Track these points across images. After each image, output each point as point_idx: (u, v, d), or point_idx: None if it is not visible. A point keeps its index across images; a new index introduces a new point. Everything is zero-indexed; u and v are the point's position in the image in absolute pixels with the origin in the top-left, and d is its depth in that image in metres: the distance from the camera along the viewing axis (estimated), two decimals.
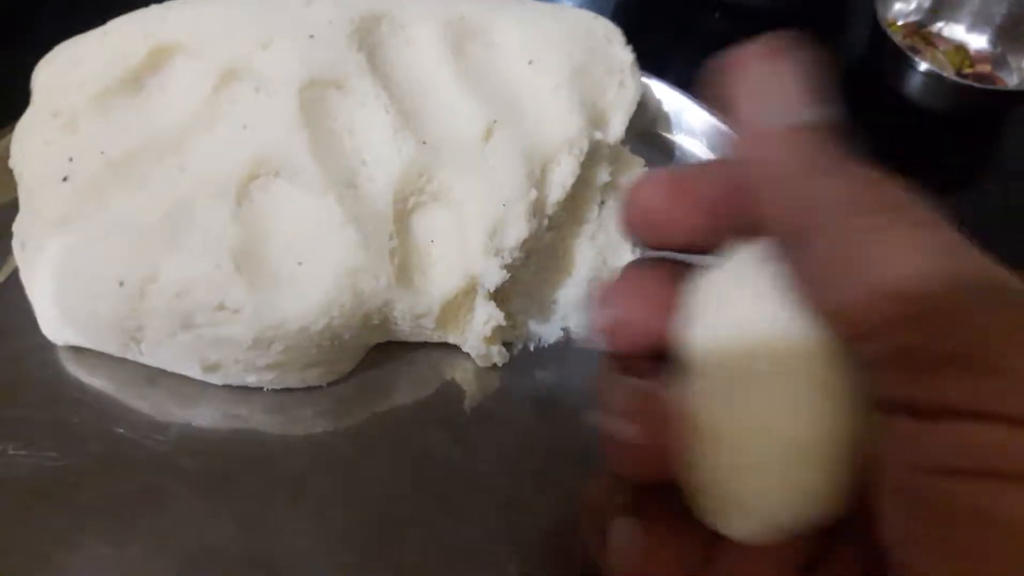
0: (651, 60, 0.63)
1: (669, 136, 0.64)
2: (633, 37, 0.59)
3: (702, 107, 0.64)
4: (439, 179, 0.50)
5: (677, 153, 0.64)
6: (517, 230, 0.50)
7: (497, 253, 0.50)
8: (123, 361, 0.51)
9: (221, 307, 0.46)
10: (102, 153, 0.49)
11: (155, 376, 0.51)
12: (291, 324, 0.46)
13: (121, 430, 0.49)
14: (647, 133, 0.64)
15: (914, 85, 0.70)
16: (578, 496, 0.28)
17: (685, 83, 0.65)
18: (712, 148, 0.63)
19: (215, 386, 0.51)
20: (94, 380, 0.52)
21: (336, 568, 0.45)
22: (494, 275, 0.50)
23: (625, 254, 0.57)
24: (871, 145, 0.74)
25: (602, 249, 0.57)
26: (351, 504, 0.47)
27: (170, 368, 0.50)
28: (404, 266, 0.49)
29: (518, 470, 0.49)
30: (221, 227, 0.47)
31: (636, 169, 0.60)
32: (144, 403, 0.51)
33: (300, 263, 0.47)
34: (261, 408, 0.51)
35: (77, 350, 0.51)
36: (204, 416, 0.50)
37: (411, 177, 0.50)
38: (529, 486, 0.49)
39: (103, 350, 0.50)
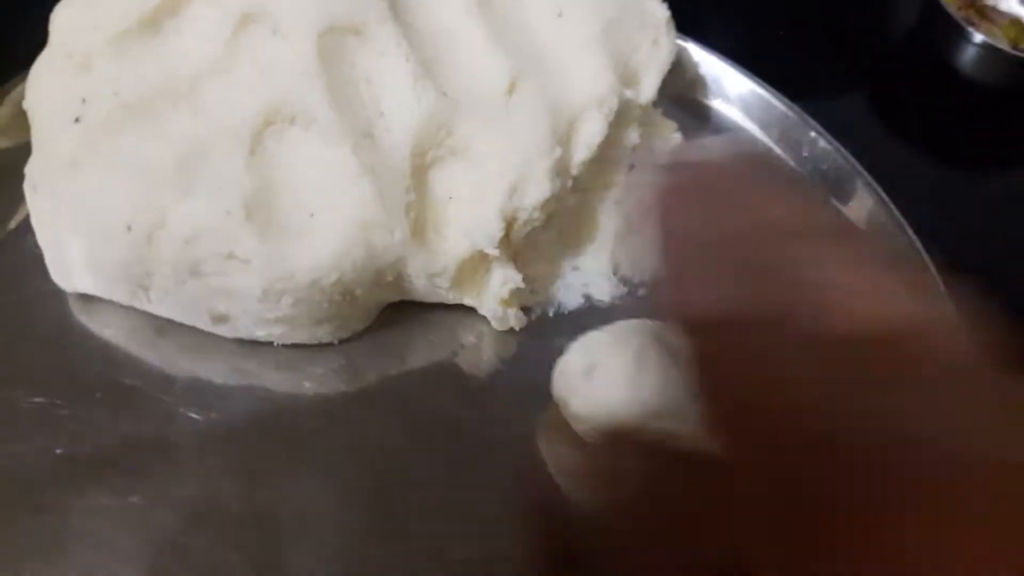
0: (689, 22, 0.60)
1: (706, 101, 0.62)
2: (674, 4, 0.57)
3: (741, 72, 0.61)
4: (459, 133, 0.48)
5: (713, 119, 0.61)
6: (539, 189, 0.48)
7: (516, 213, 0.48)
8: (133, 311, 0.50)
9: (230, 256, 0.45)
10: (116, 95, 0.48)
11: (165, 327, 0.50)
12: (301, 277, 0.44)
13: (128, 381, 0.48)
14: (683, 98, 0.61)
15: (968, 58, 0.67)
16: None
17: (725, 48, 0.63)
18: (749, 115, 0.60)
19: (225, 340, 0.50)
20: (104, 330, 0.51)
21: (340, 528, 0.44)
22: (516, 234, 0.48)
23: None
24: (922, 120, 0.71)
25: (628, 213, 0.54)
26: (358, 465, 0.46)
27: (179, 319, 0.49)
28: (420, 222, 0.48)
29: (531, 437, 0.47)
30: (233, 175, 0.46)
31: (668, 133, 0.58)
32: (153, 354, 0.50)
33: (312, 214, 0.46)
34: (271, 364, 0.50)
35: (87, 299, 0.50)
36: (213, 370, 0.49)
37: (430, 130, 0.48)
38: (539, 454, 0.47)
39: (112, 298, 0.49)
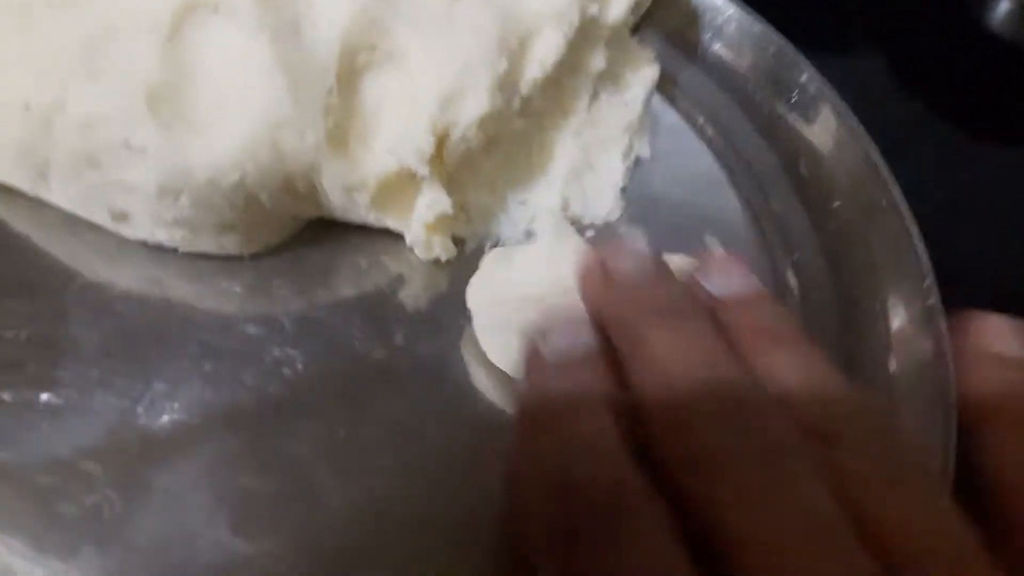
0: None
1: (694, 35, 0.56)
2: None
3: (741, 7, 0.55)
4: (395, 35, 0.44)
5: (700, 55, 0.55)
6: (477, 103, 0.43)
7: (449, 128, 0.43)
8: (47, 207, 0.47)
9: (126, 145, 0.41)
10: None
11: (77, 226, 0.47)
12: (198, 174, 0.41)
13: (27, 275, 0.45)
14: (670, 29, 0.56)
15: (1001, 15, 0.60)
16: None
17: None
18: (739, 56, 0.55)
19: (134, 244, 0.46)
20: (14, 221, 0.48)
21: (220, 450, 0.41)
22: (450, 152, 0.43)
23: (615, 156, 0.50)
24: (953, 82, 0.65)
25: (587, 147, 0.50)
26: (247, 387, 0.42)
27: (81, 213, 0.46)
28: (342, 129, 0.43)
29: (439, 380, 0.43)
30: (143, 60, 0.42)
31: (643, 64, 0.52)
32: (60, 249, 0.47)
33: (221, 109, 0.42)
34: (177, 273, 0.46)
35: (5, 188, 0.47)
36: (118, 273, 0.46)
37: (362, 28, 0.43)
38: (446, 397, 0.43)
39: (14, 184, 0.46)
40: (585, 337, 0.34)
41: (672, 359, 0.30)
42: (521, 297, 0.42)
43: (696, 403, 0.28)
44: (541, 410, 0.32)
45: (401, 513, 0.40)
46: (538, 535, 0.29)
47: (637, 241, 0.41)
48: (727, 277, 0.35)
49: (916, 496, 0.26)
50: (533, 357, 0.34)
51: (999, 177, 0.58)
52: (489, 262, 0.45)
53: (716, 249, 0.48)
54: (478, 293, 0.44)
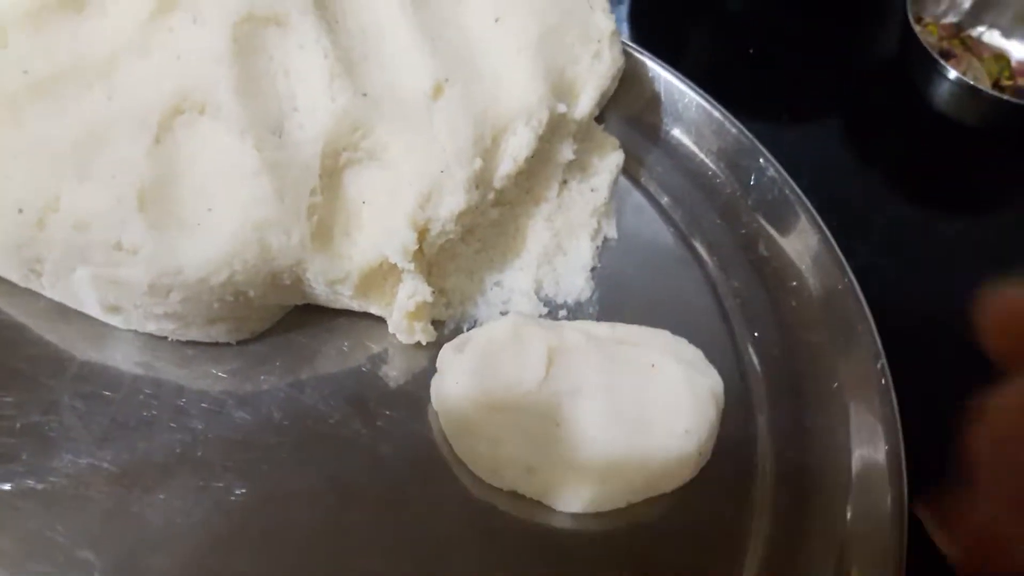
0: (657, 38, 0.58)
1: (657, 122, 0.59)
2: (645, 17, 0.54)
3: (696, 93, 0.58)
4: (376, 135, 0.46)
5: (662, 140, 0.58)
6: (454, 200, 0.46)
7: (428, 224, 0.46)
8: (39, 294, 0.49)
9: (118, 246, 0.43)
10: (25, 72, 0.46)
11: (70, 313, 0.49)
12: (189, 273, 0.43)
13: (18, 363, 0.47)
14: (634, 115, 0.59)
15: (943, 93, 0.64)
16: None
17: (693, 67, 0.60)
18: (700, 138, 0.58)
19: (125, 331, 0.48)
20: (8, 308, 0.49)
21: (213, 535, 0.42)
22: (429, 245, 0.45)
23: (584, 239, 0.53)
24: (897, 153, 0.68)
25: (558, 231, 0.52)
26: (238, 473, 0.44)
27: (73, 305, 0.47)
28: (325, 225, 0.46)
29: (421, 461, 0.45)
30: (132, 161, 0.44)
31: (608, 150, 0.55)
32: (53, 336, 0.48)
33: (210, 209, 0.44)
34: (168, 359, 0.48)
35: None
36: (109, 358, 0.48)
37: (343, 129, 0.46)
38: (428, 477, 0.45)
39: (8, 277, 0.47)
40: None
41: None
42: (486, 407, 0.43)
43: None
44: None
45: None
46: None
47: None
48: None
49: None
50: None
51: (947, 248, 0.61)
52: (445, 359, 0.46)
53: None
54: (440, 392, 0.46)
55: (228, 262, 0.43)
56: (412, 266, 0.45)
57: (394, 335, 0.49)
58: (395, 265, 0.46)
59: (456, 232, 0.47)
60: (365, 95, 0.46)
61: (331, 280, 0.45)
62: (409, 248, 0.44)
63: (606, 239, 0.54)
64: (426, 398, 0.47)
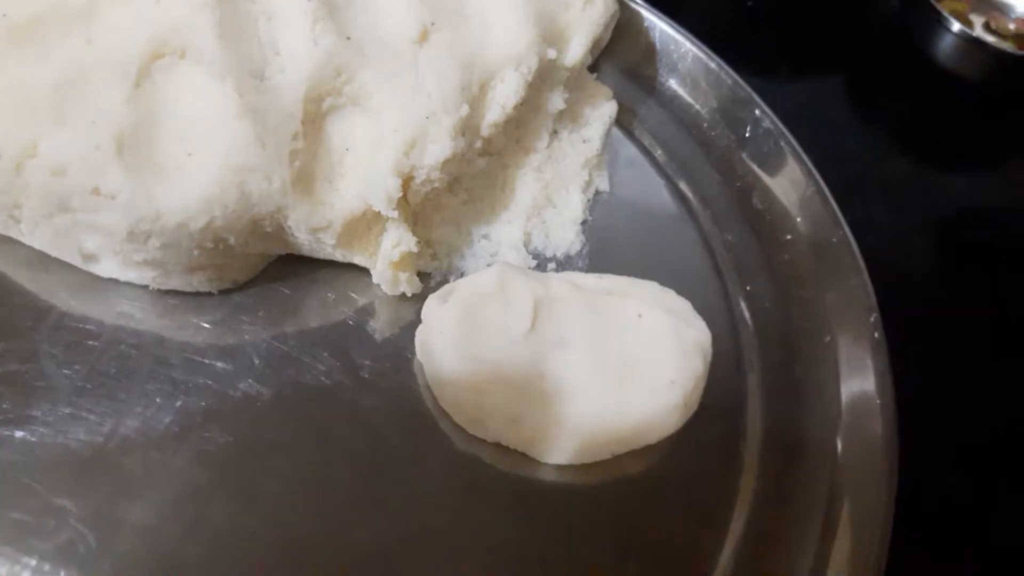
0: None
1: (652, 72, 0.58)
2: None
3: (692, 43, 0.57)
4: (360, 81, 0.45)
5: (657, 91, 0.57)
6: (439, 148, 0.45)
7: (413, 172, 0.45)
8: (18, 242, 0.48)
9: (96, 191, 0.42)
10: (3, 16, 0.45)
11: (49, 261, 0.48)
12: (167, 218, 0.42)
13: (3, 312, 0.46)
14: (629, 65, 0.58)
15: (946, 47, 0.62)
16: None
17: (693, 21, 0.59)
18: (696, 89, 0.56)
19: (107, 280, 0.47)
20: None
21: (191, 484, 0.42)
22: (414, 194, 0.45)
23: (575, 191, 0.52)
24: (897, 107, 0.67)
25: (548, 183, 0.51)
26: (217, 422, 0.44)
27: (53, 254, 0.47)
28: (308, 172, 0.45)
29: (403, 414, 0.45)
30: (111, 107, 0.43)
31: (601, 100, 0.54)
32: (33, 286, 0.48)
33: (189, 154, 0.43)
34: (149, 309, 0.47)
35: None
36: (90, 308, 0.47)
37: (327, 74, 0.45)
38: (412, 428, 0.44)
39: None
40: None
41: None
42: (471, 357, 0.43)
43: None
44: None
45: (367, 544, 0.41)
46: None
47: None
48: None
49: None
50: None
51: (947, 204, 0.60)
52: (430, 310, 0.46)
53: None
54: (424, 343, 0.45)
55: (207, 207, 0.42)
56: (396, 214, 0.44)
57: (379, 286, 0.48)
58: (379, 214, 0.45)
59: (442, 181, 0.46)
60: (348, 39, 0.45)
61: (313, 228, 0.44)
62: (393, 196, 0.43)
63: (598, 191, 0.53)
64: (411, 350, 0.47)
